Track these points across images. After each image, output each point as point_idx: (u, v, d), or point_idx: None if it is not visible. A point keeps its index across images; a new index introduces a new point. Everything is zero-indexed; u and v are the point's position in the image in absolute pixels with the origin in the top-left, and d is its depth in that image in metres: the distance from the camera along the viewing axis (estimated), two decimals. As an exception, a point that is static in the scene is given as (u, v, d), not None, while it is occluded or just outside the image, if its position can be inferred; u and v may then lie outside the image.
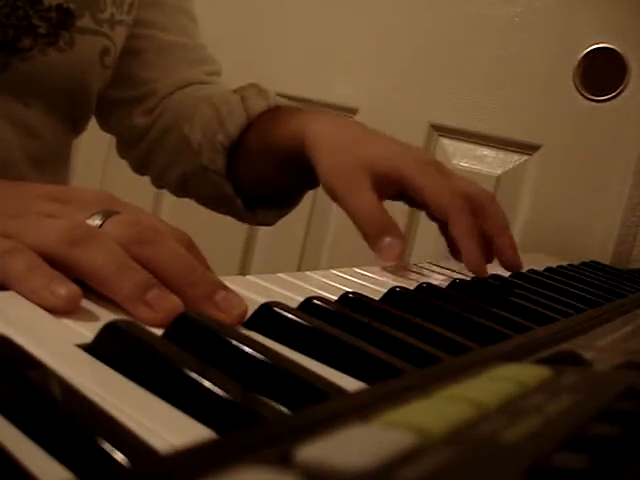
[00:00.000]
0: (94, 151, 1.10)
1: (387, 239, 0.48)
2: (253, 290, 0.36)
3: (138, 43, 0.63)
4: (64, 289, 0.28)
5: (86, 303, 0.29)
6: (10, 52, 0.49)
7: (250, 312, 0.31)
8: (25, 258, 0.29)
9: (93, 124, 0.67)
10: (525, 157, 0.99)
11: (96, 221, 0.32)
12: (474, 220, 0.49)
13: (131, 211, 0.34)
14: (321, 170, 0.52)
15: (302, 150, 0.54)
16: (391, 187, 0.51)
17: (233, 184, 0.62)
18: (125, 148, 0.70)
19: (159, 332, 0.27)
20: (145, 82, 0.64)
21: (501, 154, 1.00)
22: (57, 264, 0.29)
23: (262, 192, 0.65)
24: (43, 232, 0.30)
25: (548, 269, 0.62)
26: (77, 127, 0.61)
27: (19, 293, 0.28)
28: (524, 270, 0.55)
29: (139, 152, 0.68)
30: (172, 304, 0.29)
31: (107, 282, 0.29)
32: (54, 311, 0.27)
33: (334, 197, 0.52)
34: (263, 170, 0.61)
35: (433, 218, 0.54)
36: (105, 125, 0.68)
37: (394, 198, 0.54)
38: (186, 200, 0.71)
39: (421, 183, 0.49)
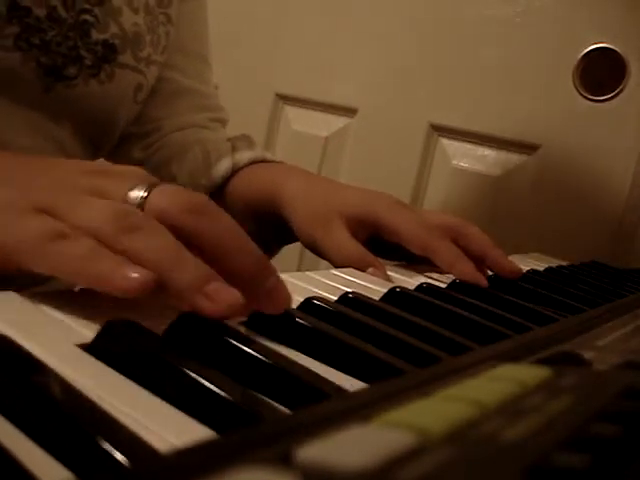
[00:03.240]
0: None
1: (369, 270, 0.49)
2: (253, 290, 0.36)
3: (156, 83, 0.64)
4: (135, 272, 0.26)
5: (86, 303, 0.29)
6: (56, 78, 0.51)
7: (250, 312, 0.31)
8: (84, 242, 0.27)
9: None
10: (525, 157, 0.99)
11: (141, 192, 0.30)
12: (456, 246, 0.50)
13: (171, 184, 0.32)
14: (296, 221, 0.55)
15: (275, 204, 0.58)
16: (365, 230, 0.53)
17: None
18: None
19: (159, 332, 0.27)
20: (153, 120, 0.67)
21: (501, 154, 1.00)
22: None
23: None
24: (88, 213, 0.29)
25: (548, 269, 0.62)
26: (98, 152, 0.63)
27: (80, 281, 0.27)
28: (524, 270, 0.56)
29: None
30: (233, 297, 0.28)
31: (163, 275, 0.27)
32: (125, 295, 0.26)
33: (311, 244, 0.54)
34: (236, 218, 0.63)
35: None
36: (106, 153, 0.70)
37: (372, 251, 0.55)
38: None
39: (395, 222, 0.51)
